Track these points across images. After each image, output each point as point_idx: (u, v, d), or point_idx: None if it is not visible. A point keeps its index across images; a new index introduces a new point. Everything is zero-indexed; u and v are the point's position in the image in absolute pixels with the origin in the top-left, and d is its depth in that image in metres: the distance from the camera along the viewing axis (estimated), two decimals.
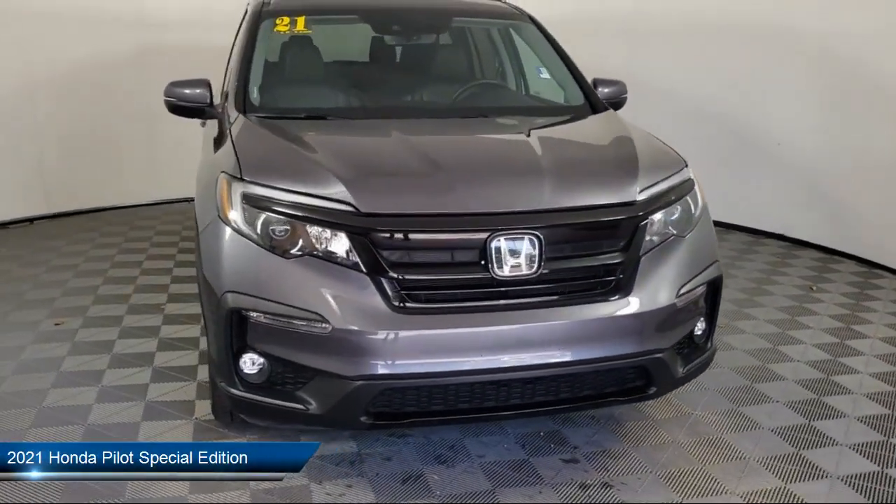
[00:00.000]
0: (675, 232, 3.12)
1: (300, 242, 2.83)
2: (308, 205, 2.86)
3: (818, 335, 4.66)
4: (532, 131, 3.49)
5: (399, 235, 2.80)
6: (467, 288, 2.82)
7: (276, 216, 2.87)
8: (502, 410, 2.96)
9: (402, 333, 2.74)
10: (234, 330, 2.88)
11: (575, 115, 3.91)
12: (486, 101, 4.14)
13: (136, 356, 4.22)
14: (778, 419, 3.65)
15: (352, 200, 2.83)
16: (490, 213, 2.86)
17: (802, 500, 3.04)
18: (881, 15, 5.69)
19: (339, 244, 2.81)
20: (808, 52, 6.19)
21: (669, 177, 3.22)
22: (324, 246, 2.82)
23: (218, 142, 3.64)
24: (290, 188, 2.91)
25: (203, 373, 4.01)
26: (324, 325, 2.74)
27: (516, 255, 2.81)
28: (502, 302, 2.83)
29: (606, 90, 4.16)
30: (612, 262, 2.95)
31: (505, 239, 2.81)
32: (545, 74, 4.17)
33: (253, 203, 2.91)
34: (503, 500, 3.01)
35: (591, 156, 3.30)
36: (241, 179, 2.98)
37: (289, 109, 3.78)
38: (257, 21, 4.08)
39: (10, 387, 3.85)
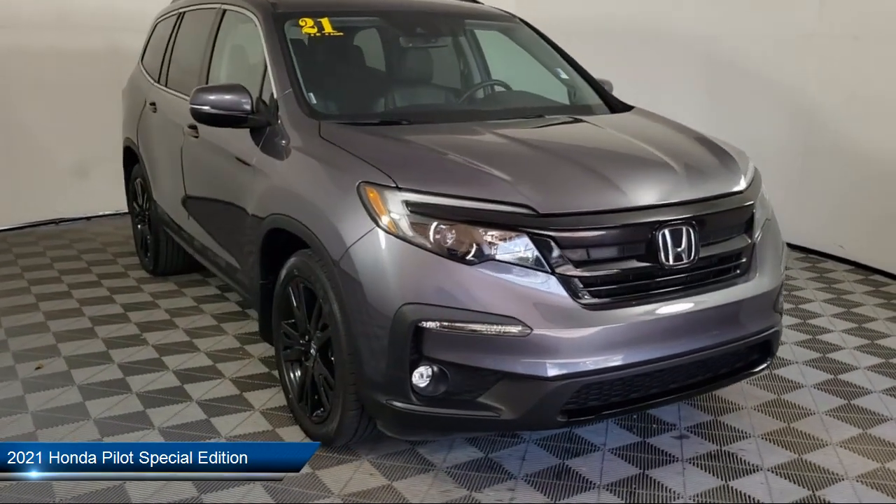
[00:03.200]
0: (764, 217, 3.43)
1: (479, 247, 2.79)
2: (482, 209, 2.82)
3: None
4: (609, 128, 3.66)
5: (580, 233, 2.85)
6: (641, 279, 2.93)
7: (448, 222, 2.81)
8: (664, 395, 3.10)
9: (594, 329, 2.80)
10: (412, 343, 2.79)
11: (611, 111, 4.09)
12: (523, 102, 4.20)
13: (166, 392, 3.84)
14: (811, 378, 4.10)
15: (528, 202, 2.83)
16: (654, 206, 2.98)
17: (889, 440, 3.48)
18: (759, 21, 6.46)
19: (522, 247, 2.80)
20: (696, 53, 6.86)
21: (748, 166, 3.53)
22: (506, 249, 2.79)
23: (276, 150, 3.45)
24: (456, 193, 2.86)
25: (259, 400, 3.75)
26: (520, 328, 2.73)
27: (678, 245, 2.96)
28: (670, 290, 2.98)
29: None
30: (741, 245, 3.19)
31: (668, 230, 2.95)
32: (563, 75, 4.32)
33: (418, 211, 2.83)
34: (660, 480, 3.15)
35: (692, 149, 3.50)
36: (397, 188, 2.87)
37: (358, 115, 3.63)
38: (279, 23, 3.85)
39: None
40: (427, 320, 2.76)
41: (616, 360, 2.83)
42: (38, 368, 4.09)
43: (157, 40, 5.62)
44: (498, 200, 2.84)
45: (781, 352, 4.38)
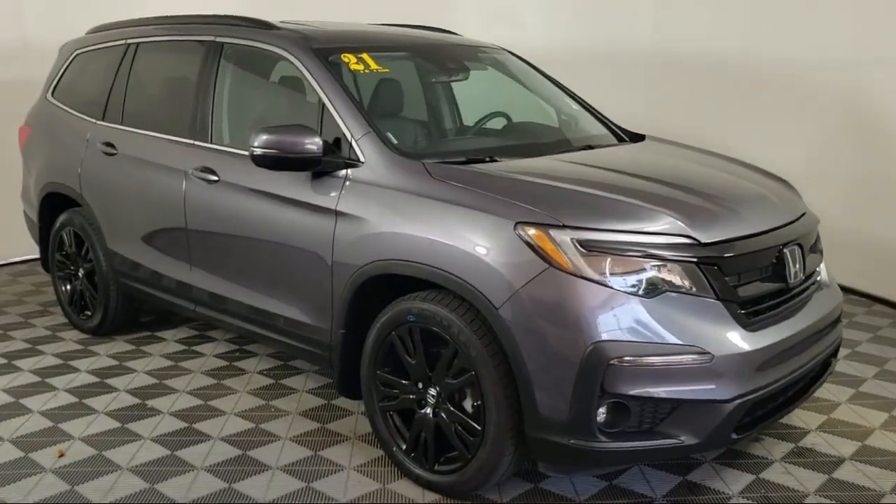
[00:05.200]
0: None
1: (653, 280, 2.86)
2: (650, 242, 2.90)
3: None
4: (671, 158, 3.86)
5: (739, 259, 3.00)
6: (776, 297, 3.14)
7: (621, 257, 2.86)
8: (788, 404, 3.30)
9: (757, 348, 2.94)
10: (601, 380, 2.80)
11: (632, 140, 4.28)
12: (559, 135, 4.25)
13: (236, 462, 3.49)
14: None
15: (691, 233, 2.94)
16: (777, 227, 3.21)
17: None
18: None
19: (692, 276, 2.90)
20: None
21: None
22: (678, 280, 2.89)
23: (367, 194, 3.32)
24: (622, 228, 2.91)
25: (341, 456, 3.54)
26: (702, 355, 2.83)
27: (795, 263, 3.22)
28: (795, 305, 3.22)
29: None
30: (819, 260, 3.52)
31: (788, 250, 3.19)
32: (575, 106, 4.45)
33: (589, 248, 2.85)
34: (775, 480, 3.38)
35: (757, 175, 3.74)
36: (563, 226, 2.87)
37: (443, 153, 3.54)
38: (322, 60, 3.67)
39: None
40: (615, 357, 2.79)
41: (771, 376, 3.01)
42: (60, 456, 3.54)
43: (83, 74, 5.07)
44: (663, 233, 2.92)
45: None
